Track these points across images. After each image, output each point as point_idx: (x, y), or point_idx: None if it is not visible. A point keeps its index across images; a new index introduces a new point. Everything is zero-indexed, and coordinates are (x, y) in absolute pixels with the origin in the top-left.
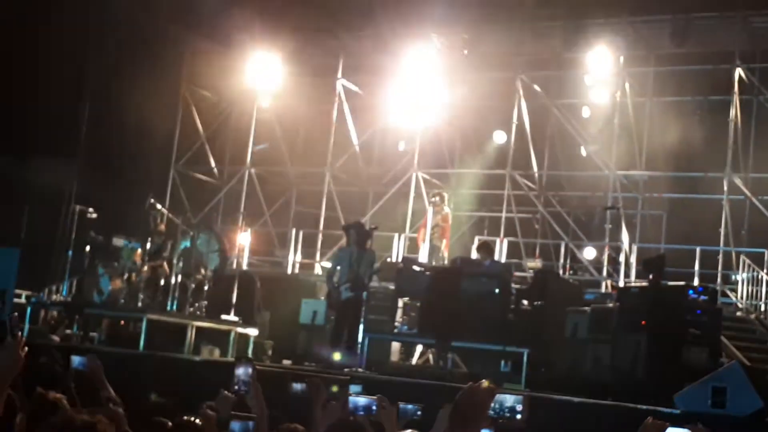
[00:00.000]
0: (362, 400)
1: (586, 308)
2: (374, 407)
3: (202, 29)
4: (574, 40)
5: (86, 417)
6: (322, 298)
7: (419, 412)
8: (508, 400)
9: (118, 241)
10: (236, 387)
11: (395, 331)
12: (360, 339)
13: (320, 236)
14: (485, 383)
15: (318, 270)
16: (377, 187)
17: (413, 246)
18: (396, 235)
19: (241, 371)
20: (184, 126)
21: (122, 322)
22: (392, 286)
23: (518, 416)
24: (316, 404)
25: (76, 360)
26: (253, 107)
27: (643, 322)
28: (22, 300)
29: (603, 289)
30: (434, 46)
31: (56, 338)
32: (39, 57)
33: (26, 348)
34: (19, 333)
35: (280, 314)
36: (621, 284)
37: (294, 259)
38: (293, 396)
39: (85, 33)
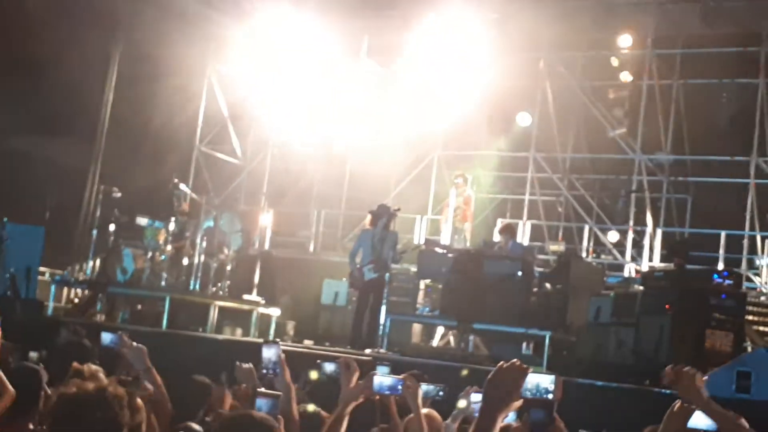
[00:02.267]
0: (387, 380)
1: (610, 292)
2: (399, 387)
3: (228, 8)
4: (602, 20)
5: (98, 383)
6: (344, 279)
7: (441, 393)
8: (540, 379)
9: (142, 221)
10: (265, 370)
11: (417, 312)
12: (382, 320)
13: (342, 217)
14: (516, 363)
15: (339, 250)
16: (399, 168)
17: (435, 228)
18: (418, 216)
19: (269, 353)
20: (208, 106)
21: (143, 303)
22: (414, 268)
23: (550, 396)
24: (346, 383)
25: (106, 337)
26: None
27: (667, 306)
28: (46, 278)
29: (626, 273)
30: (458, 26)
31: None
32: (63, 37)
33: None
34: None
35: (302, 294)
36: (645, 268)
37: (316, 239)
38: (324, 377)
39: (110, 14)
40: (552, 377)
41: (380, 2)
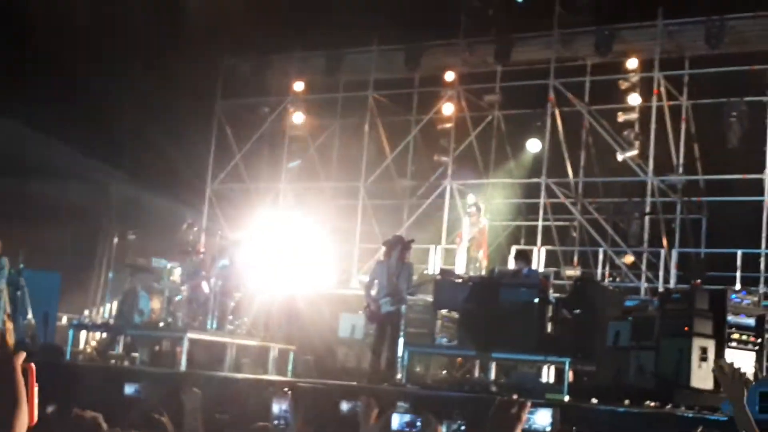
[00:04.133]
0: (406, 417)
1: (628, 315)
2: (418, 424)
3: (237, 46)
4: (608, 45)
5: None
6: (360, 312)
7: (463, 427)
8: (539, 413)
9: (158, 262)
10: (276, 422)
11: (435, 343)
12: (400, 352)
13: (356, 250)
14: (515, 398)
15: (355, 284)
16: (412, 200)
17: (450, 257)
18: (432, 246)
19: (279, 404)
20: (219, 144)
21: (161, 344)
22: (430, 299)
23: (548, 428)
24: (365, 422)
25: (129, 388)
26: (287, 123)
27: (686, 328)
28: (64, 322)
29: (644, 296)
30: (464, 56)
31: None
32: (77, 83)
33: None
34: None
35: (319, 329)
36: (662, 290)
37: (331, 273)
38: (342, 415)
39: (118, 54)
40: (549, 410)
41: (385, 37)
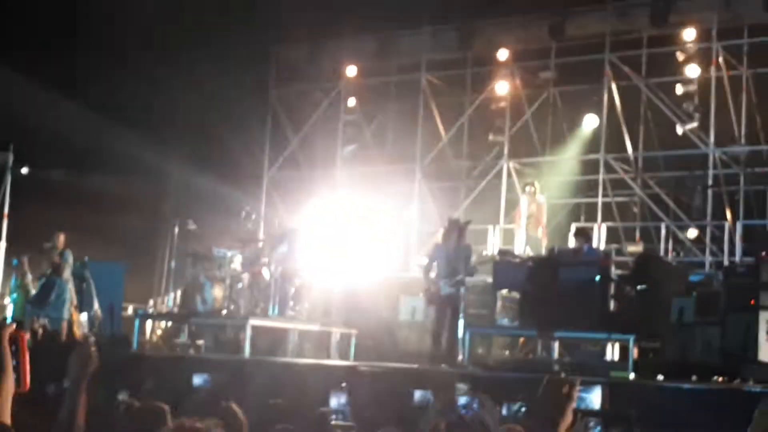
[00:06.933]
0: (463, 399)
1: (692, 291)
2: (475, 406)
3: (289, 31)
4: (663, 16)
5: (198, 424)
6: (420, 294)
7: (523, 409)
8: (588, 390)
9: (219, 251)
10: (334, 416)
11: (496, 324)
12: (461, 334)
13: (414, 233)
14: (562, 377)
15: (414, 266)
16: (468, 180)
17: (508, 237)
18: (491, 227)
19: (336, 400)
20: (275, 132)
21: (225, 332)
22: (490, 279)
23: (596, 406)
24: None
25: (198, 378)
26: (341, 108)
27: (753, 302)
28: (129, 312)
29: (708, 270)
30: (517, 33)
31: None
32: (132, 72)
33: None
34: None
35: (379, 312)
36: (727, 264)
37: (389, 256)
38: (412, 405)
39: (171, 42)
40: (597, 387)
41: (437, 18)
